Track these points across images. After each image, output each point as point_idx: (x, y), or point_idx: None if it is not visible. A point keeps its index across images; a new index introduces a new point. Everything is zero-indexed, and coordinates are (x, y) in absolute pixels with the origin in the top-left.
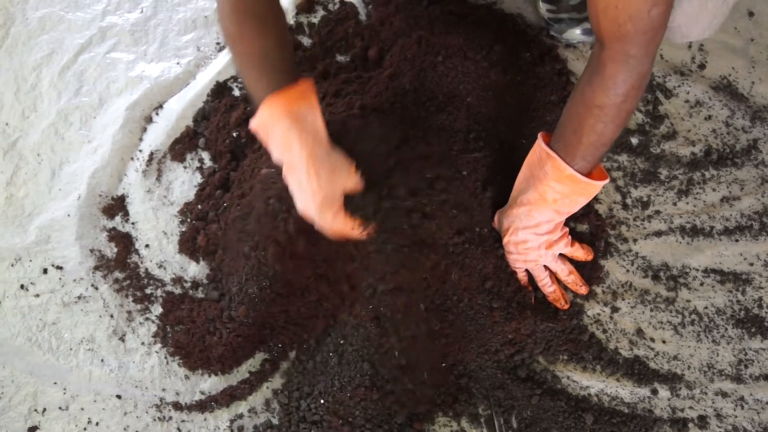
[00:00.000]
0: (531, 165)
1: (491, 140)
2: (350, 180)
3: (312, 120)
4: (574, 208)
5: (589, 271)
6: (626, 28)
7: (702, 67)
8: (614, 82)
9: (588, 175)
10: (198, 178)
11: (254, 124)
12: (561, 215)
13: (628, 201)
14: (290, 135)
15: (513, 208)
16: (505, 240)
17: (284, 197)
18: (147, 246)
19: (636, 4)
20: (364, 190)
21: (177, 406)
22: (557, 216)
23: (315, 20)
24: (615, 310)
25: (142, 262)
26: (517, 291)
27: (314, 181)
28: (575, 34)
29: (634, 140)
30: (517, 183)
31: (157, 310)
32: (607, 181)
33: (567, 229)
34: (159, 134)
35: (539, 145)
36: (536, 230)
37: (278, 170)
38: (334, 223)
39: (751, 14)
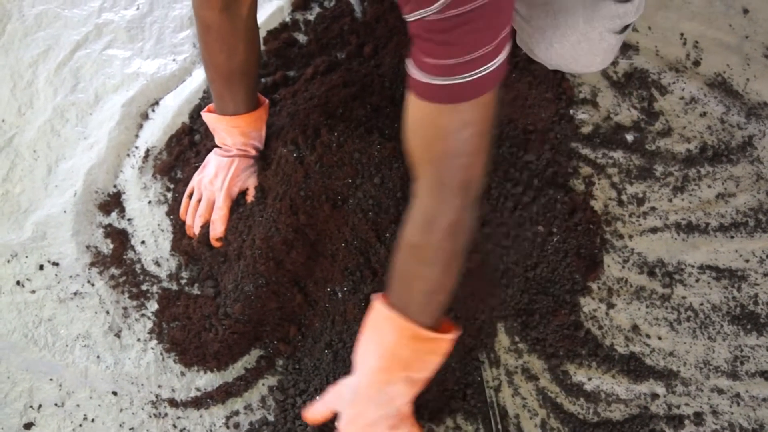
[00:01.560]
0: (371, 329)
1: None
2: None
3: (256, 136)
4: (427, 370)
5: (588, 268)
6: (435, 150)
7: (697, 63)
8: (428, 217)
9: (437, 328)
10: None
11: (205, 119)
12: (415, 385)
13: (624, 197)
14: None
15: (358, 381)
16: (343, 424)
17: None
18: (143, 242)
19: (444, 123)
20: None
21: (173, 402)
22: (410, 388)
23: (311, 17)
24: (611, 306)
25: (138, 259)
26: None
27: None
28: None
29: (630, 137)
30: (359, 350)
31: (152, 306)
32: (458, 334)
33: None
34: (155, 131)
35: (377, 307)
36: (386, 409)
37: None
38: None
39: (745, 11)
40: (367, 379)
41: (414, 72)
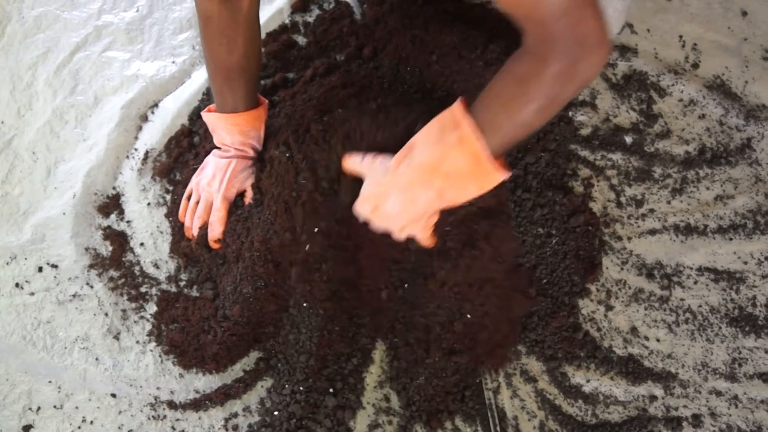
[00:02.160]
0: (439, 125)
1: None
2: None
3: (255, 135)
4: (462, 196)
5: (587, 269)
6: (538, 15)
7: (695, 66)
8: (539, 57)
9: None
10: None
11: (205, 118)
12: (443, 202)
13: (623, 199)
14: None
15: (393, 169)
16: (362, 196)
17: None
18: (142, 244)
19: None
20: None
21: (171, 404)
22: (437, 201)
23: (310, 19)
24: (609, 308)
25: (137, 261)
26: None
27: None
28: None
29: (629, 139)
30: (417, 137)
31: (151, 308)
32: (509, 175)
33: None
34: (154, 133)
35: (457, 108)
36: (406, 205)
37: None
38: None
39: (744, 14)
40: (405, 168)
41: None
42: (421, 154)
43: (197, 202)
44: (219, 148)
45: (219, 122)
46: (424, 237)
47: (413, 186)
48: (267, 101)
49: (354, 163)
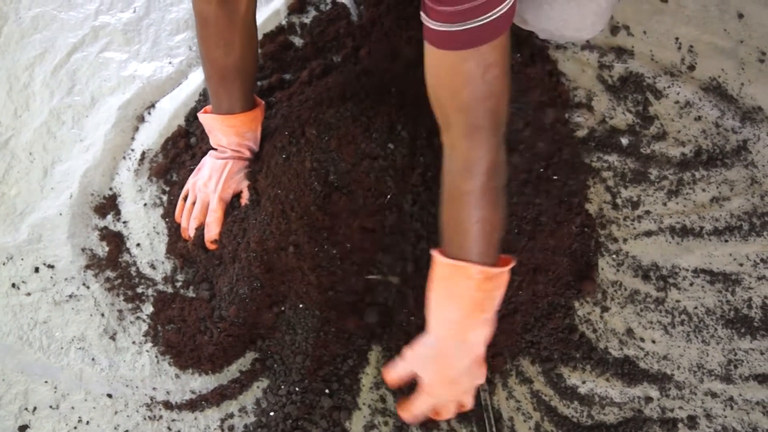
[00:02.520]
0: (441, 284)
1: None
2: None
3: (251, 137)
4: (496, 306)
5: (584, 271)
6: (464, 97)
7: (691, 68)
8: (468, 163)
9: (495, 265)
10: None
11: (201, 120)
12: (489, 325)
13: (618, 201)
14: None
15: (439, 336)
16: (427, 382)
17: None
18: (138, 245)
19: (468, 68)
20: None
21: (167, 405)
22: (488, 328)
23: (307, 20)
24: (605, 309)
25: (133, 262)
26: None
27: None
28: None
29: (624, 140)
30: (432, 308)
31: (148, 309)
32: (515, 262)
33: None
34: (151, 133)
35: (439, 262)
36: (471, 356)
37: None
38: None
39: (740, 16)
40: (449, 332)
41: (430, 23)
42: (449, 313)
43: (193, 203)
44: (215, 149)
45: (215, 123)
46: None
47: (467, 337)
48: (263, 102)
49: (396, 371)
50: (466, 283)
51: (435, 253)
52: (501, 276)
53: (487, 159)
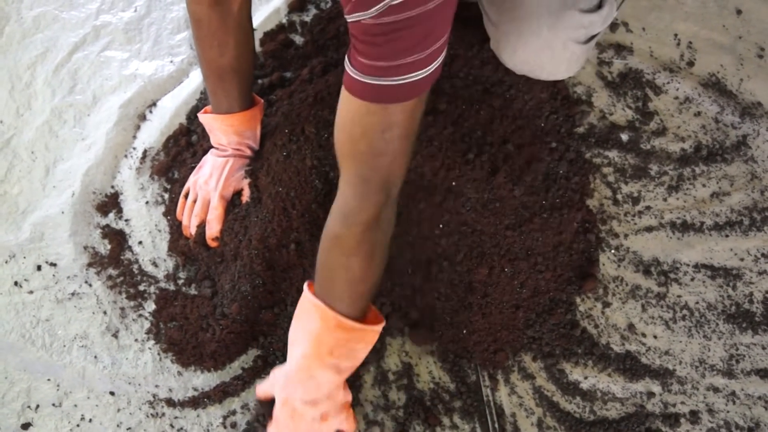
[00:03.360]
0: (299, 316)
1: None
2: None
3: (250, 135)
4: (354, 359)
5: (585, 267)
6: (359, 147)
7: (691, 64)
8: (348, 211)
9: (362, 319)
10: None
11: (201, 120)
12: (342, 373)
13: (619, 197)
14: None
15: (289, 367)
16: (276, 408)
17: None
18: (140, 243)
19: (371, 121)
20: None
21: (170, 402)
22: (337, 375)
23: (307, 19)
24: (606, 305)
25: (135, 259)
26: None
27: None
28: None
29: (624, 136)
30: (290, 336)
31: (150, 306)
32: (382, 325)
33: (349, 401)
34: (152, 132)
35: (305, 296)
36: (315, 395)
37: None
38: None
39: (739, 12)
40: (296, 365)
41: (349, 69)
42: (299, 346)
43: (195, 201)
44: (216, 147)
45: (214, 123)
46: (349, 418)
47: (311, 374)
48: (262, 101)
49: (262, 387)
50: (319, 324)
51: (306, 286)
52: (359, 330)
53: (368, 212)
